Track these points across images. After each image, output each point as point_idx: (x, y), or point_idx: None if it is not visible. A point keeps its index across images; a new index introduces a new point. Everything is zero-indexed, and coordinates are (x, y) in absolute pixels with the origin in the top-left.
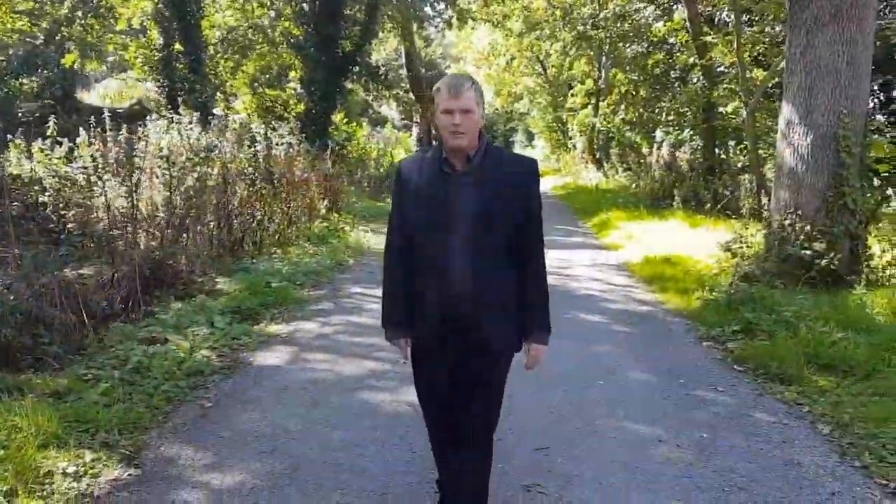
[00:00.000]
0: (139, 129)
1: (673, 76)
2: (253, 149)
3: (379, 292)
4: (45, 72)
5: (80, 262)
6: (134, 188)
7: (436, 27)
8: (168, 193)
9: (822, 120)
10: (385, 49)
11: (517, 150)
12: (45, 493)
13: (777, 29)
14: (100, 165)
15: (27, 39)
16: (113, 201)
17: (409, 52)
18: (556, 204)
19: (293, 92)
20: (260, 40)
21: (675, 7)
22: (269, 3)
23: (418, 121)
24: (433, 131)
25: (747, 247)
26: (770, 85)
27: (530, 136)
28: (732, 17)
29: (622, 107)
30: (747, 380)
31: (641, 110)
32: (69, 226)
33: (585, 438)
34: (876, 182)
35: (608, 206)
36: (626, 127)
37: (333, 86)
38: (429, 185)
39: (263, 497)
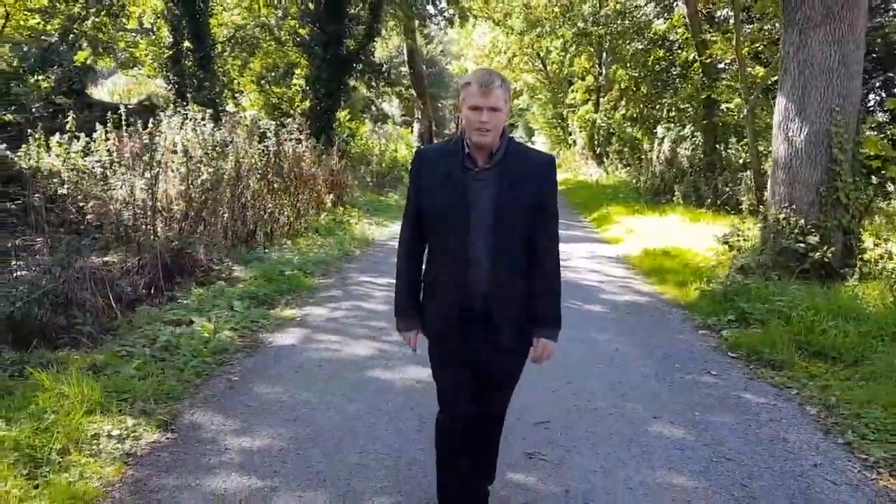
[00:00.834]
0: (155, 124)
1: (673, 73)
2: (263, 144)
3: (384, 281)
4: (60, 68)
5: (102, 250)
6: (154, 181)
7: (438, 25)
8: (185, 187)
9: (815, 117)
10: (388, 47)
11: None
12: (93, 452)
13: (776, 26)
14: (116, 160)
15: (43, 38)
16: (133, 193)
17: (411, 50)
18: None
19: (298, 89)
20: (267, 39)
21: (675, 4)
22: (275, 3)
23: (419, 117)
24: (434, 127)
25: (744, 240)
26: (770, 82)
27: (530, 132)
28: (732, 14)
29: (622, 103)
30: (740, 365)
31: (642, 106)
32: (88, 217)
33: (584, 415)
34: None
35: (608, 202)
36: (626, 123)
37: (338, 83)
38: (449, 180)
39: (290, 458)
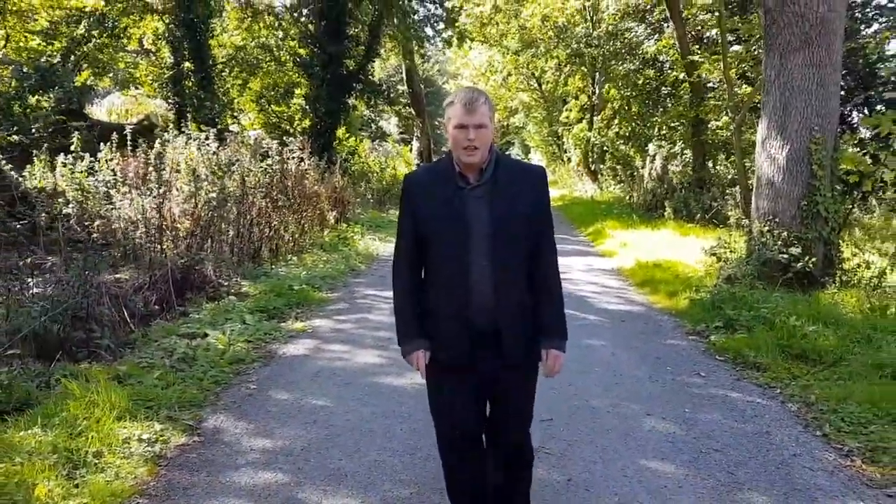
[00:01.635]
0: (163, 143)
1: (664, 92)
2: (267, 163)
3: (389, 294)
4: (61, 89)
5: (111, 268)
6: (162, 200)
7: (435, 46)
8: (193, 205)
9: (795, 135)
10: (386, 67)
11: None
12: (125, 454)
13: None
14: (121, 179)
15: (46, 59)
16: (140, 212)
17: (409, 70)
18: (552, 214)
19: (298, 108)
20: (267, 59)
21: (665, 26)
22: (275, 25)
23: (418, 135)
24: (433, 145)
25: (731, 252)
26: (756, 101)
27: (526, 150)
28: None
29: (615, 121)
30: (727, 367)
31: (634, 125)
32: (94, 235)
33: (584, 413)
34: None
35: (603, 217)
36: (619, 141)
37: (337, 102)
38: (443, 200)
39: (312, 456)
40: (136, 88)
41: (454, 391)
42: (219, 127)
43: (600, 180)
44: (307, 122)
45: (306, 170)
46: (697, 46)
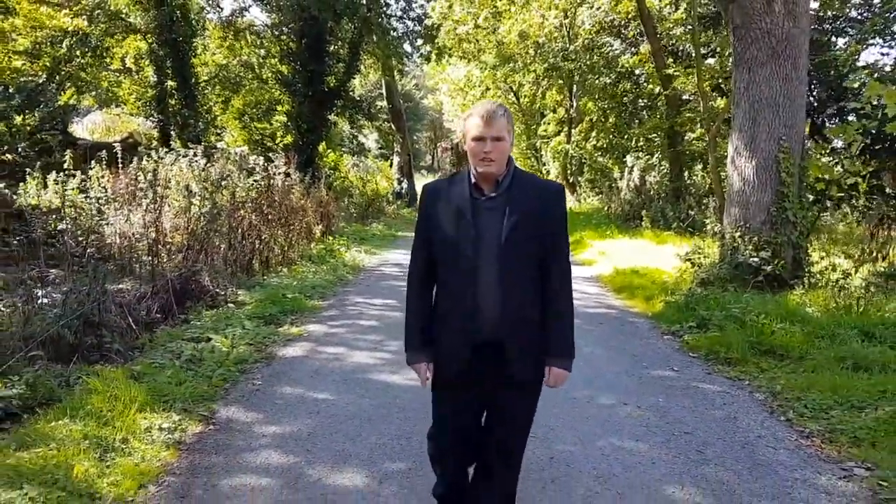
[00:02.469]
0: (157, 161)
1: (640, 105)
2: (253, 178)
3: (378, 301)
4: (45, 108)
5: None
6: (157, 215)
7: (414, 62)
8: (186, 219)
9: (764, 145)
10: (366, 83)
11: None
12: (149, 441)
13: None
14: (112, 196)
15: (31, 77)
16: (138, 227)
17: (388, 86)
18: None
19: (279, 125)
20: (249, 77)
21: (641, 40)
22: (257, 43)
23: (398, 150)
24: (412, 160)
25: (704, 257)
26: (730, 113)
27: None
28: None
29: (593, 134)
30: (699, 363)
31: (612, 137)
32: (89, 250)
33: (564, 404)
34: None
35: (582, 227)
36: (597, 153)
37: (319, 119)
38: (458, 211)
39: (318, 440)
40: (119, 107)
41: (455, 403)
42: (204, 144)
43: (578, 192)
44: (289, 139)
45: (292, 185)
46: (672, 60)
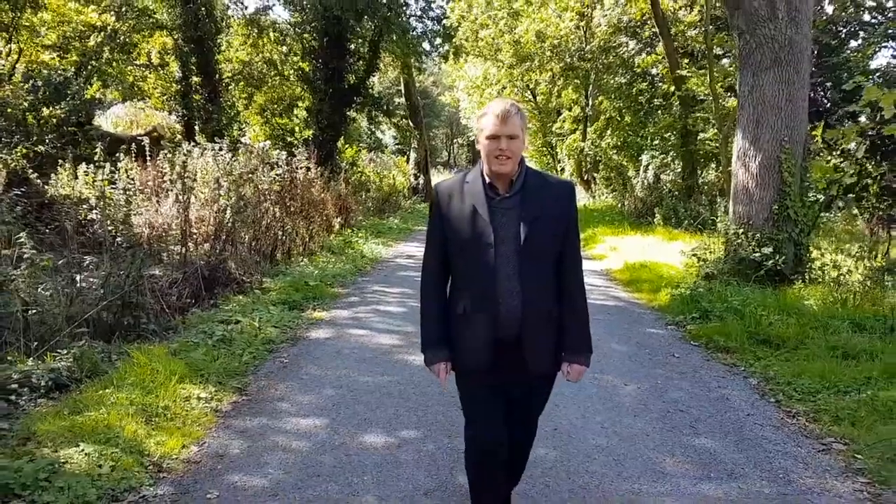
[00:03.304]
0: (186, 154)
1: (655, 104)
2: (277, 172)
3: (396, 290)
4: (72, 101)
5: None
6: (187, 205)
7: (433, 60)
8: (215, 210)
9: (767, 146)
10: (384, 80)
11: None
12: (189, 408)
13: None
14: (140, 188)
15: (60, 72)
16: (168, 217)
17: (407, 84)
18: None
19: (299, 120)
20: (272, 74)
21: (657, 40)
22: (280, 41)
23: (415, 146)
24: (429, 156)
25: (710, 253)
26: None
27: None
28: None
29: (608, 132)
30: (699, 350)
31: (627, 135)
32: (118, 239)
33: (569, 383)
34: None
35: (595, 224)
36: (612, 151)
37: (339, 115)
38: (472, 210)
39: (342, 409)
40: (143, 101)
41: (486, 400)
42: (227, 139)
43: (593, 189)
44: (309, 134)
45: (313, 178)
46: (687, 60)
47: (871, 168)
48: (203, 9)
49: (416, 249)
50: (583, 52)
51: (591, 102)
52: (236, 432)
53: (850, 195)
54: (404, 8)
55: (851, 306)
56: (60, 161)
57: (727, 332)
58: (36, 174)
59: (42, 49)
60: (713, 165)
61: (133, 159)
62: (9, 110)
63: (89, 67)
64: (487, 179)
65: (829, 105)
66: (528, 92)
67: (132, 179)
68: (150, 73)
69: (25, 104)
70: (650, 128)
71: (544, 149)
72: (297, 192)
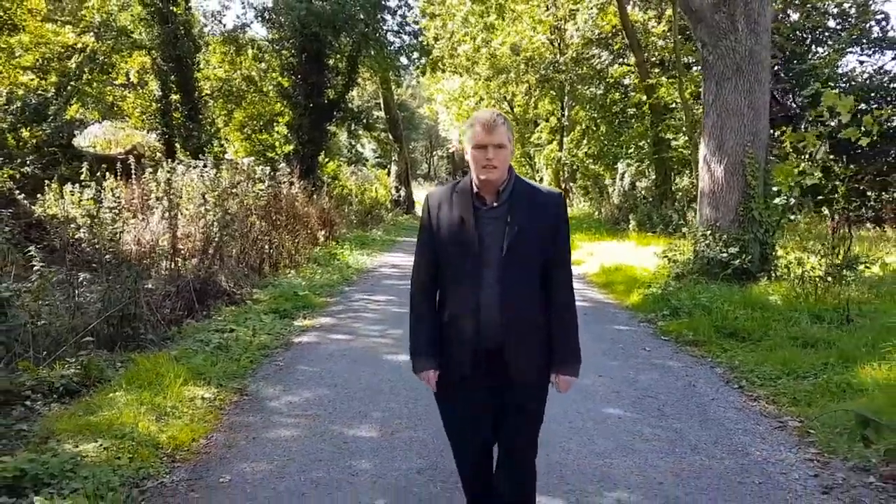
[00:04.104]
0: (170, 171)
1: (629, 113)
2: (259, 187)
3: (381, 298)
4: (53, 122)
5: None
6: (174, 222)
7: (411, 74)
8: (202, 225)
9: (731, 151)
10: (364, 94)
11: None
12: (194, 408)
13: None
14: (126, 206)
15: (40, 92)
16: (154, 234)
17: (386, 98)
18: None
19: (280, 136)
20: (251, 90)
21: (627, 52)
22: (259, 57)
23: (396, 159)
24: (410, 168)
25: (680, 254)
26: None
27: None
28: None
29: (584, 141)
30: (669, 344)
31: (602, 144)
32: (106, 256)
33: None
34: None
35: (572, 231)
36: (588, 160)
37: (319, 130)
38: (460, 219)
39: (337, 405)
40: (123, 120)
41: (464, 408)
42: (210, 155)
43: (570, 198)
44: (290, 149)
45: (296, 193)
46: (658, 70)
47: (839, 170)
48: (181, 28)
49: (400, 259)
50: (557, 64)
51: (566, 113)
52: (241, 426)
53: (819, 196)
54: (381, 24)
55: (813, 300)
56: (46, 182)
57: (696, 327)
58: (23, 195)
59: (21, 70)
60: (687, 172)
61: (117, 178)
62: None
63: (69, 88)
64: (475, 189)
65: (798, 110)
66: (506, 103)
67: (118, 198)
68: (129, 92)
69: (5, 125)
70: (625, 137)
71: (522, 159)
72: (282, 206)
